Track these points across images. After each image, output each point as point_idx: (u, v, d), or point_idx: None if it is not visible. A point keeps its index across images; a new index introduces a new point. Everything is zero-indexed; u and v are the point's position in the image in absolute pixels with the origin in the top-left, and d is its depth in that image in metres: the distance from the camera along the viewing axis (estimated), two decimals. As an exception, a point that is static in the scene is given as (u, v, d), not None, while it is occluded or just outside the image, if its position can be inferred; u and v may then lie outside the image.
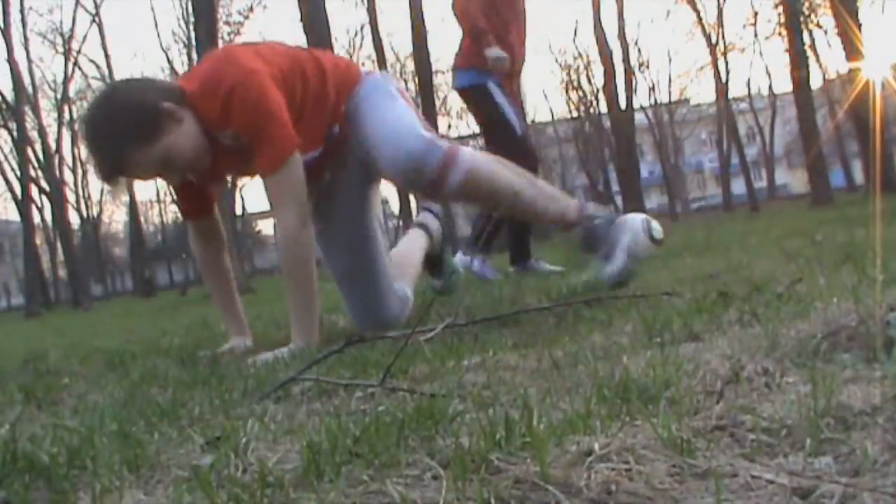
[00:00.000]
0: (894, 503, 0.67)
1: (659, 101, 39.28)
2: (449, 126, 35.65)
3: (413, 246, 3.00)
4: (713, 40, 29.50)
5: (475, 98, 4.61)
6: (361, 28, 32.59)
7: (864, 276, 1.81)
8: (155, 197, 42.43)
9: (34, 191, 27.69)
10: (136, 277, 33.47)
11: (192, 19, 19.87)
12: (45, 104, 31.05)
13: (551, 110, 43.26)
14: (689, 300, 1.94)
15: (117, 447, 1.11)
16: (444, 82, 29.17)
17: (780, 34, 22.76)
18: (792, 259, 2.59)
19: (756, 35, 29.66)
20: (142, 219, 36.07)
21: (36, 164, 27.28)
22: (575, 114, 39.23)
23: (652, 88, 44.77)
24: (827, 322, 1.30)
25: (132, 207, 32.49)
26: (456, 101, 35.09)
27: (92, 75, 31.93)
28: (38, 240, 30.34)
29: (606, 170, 38.36)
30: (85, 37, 41.60)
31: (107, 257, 45.17)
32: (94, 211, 39.49)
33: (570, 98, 38.39)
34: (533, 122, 38.58)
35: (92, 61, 37.13)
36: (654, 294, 2.12)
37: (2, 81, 57.09)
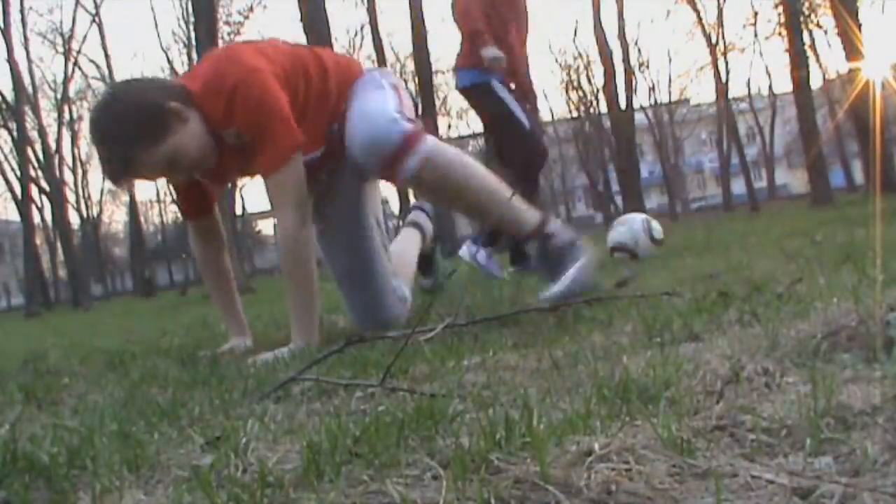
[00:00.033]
0: (894, 503, 0.67)
1: (659, 101, 39.31)
2: (449, 126, 35.72)
3: (407, 245, 3.00)
4: (713, 40, 29.51)
5: (478, 96, 4.61)
6: (361, 28, 32.60)
7: (864, 276, 1.81)
8: (155, 197, 42.53)
9: (34, 191, 27.71)
10: (136, 277, 33.48)
11: (192, 19, 19.88)
12: (45, 104, 31.10)
13: (551, 110, 43.13)
14: (689, 300, 1.94)
15: (117, 447, 1.11)
16: (444, 82, 29.21)
17: (780, 34, 22.78)
18: (792, 259, 2.59)
19: (756, 35, 29.68)
20: (142, 219, 36.10)
21: (36, 164, 27.30)
22: (575, 114, 39.25)
23: (652, 88, 44.81)
24: (827, 322, 1.30)
25: (132, 207, 32.51)
26: (456, 101, 35.12)
27: (92, 75, 32.01)
28: (38, 240, 30.34)
29: (606, 170, 38.36)
30: (85, 37, 41.68)
31: (107, 257, 45.19)
32: (94, 211, 39.56)
33: (570, 98, 38.42)
34: (533, 121, 38.46)
35: (92, 61, 37.20)
36: (654, 294, 2.12)
37: (2, 81, 57.15)
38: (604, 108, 31.72)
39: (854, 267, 2.07)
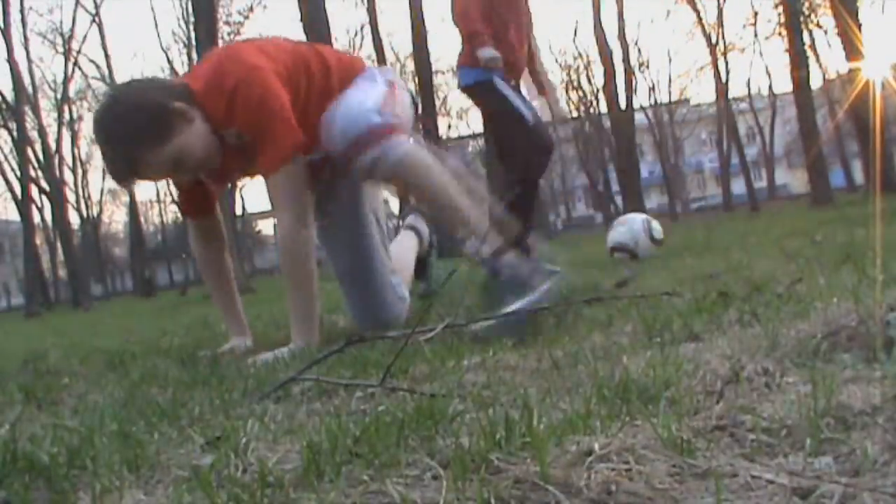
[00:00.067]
0: (894, 503, 0.67)
1: (659, 101, 39.28)
2: (449, 126, 35.72)
3: (405, 247, 3.00)
4: (713, 40, 29.50)
5: (481, 93, 4.60)
6: (361, 28, 32.58)
7: (864, 276, 1.81)
8: (155, 197, 42.54)
9: (34, 191, 27.70)
10: (136, 277, 33.48)
11: (192, 19, 19.89)
12: (45, 104, 31.08)
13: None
14: (689, 300, 1.94)
15: (117, 447, 1.11)
16: (444, 82, 29.22)
17: (780, 34, 22.78)
18: (792, 259, 2.60)
19: (756, 35, 29.69)
20: (142, 219, 36.09)
21: (36, 164, 27.29)
22: (575, 114, 39.24)
23: (652, 88, 44.81)
24: (827, 322, 1.30)
25: (132, 207, 32.51)
26: (456, 102, 35.11)
27: (92, 75, 31.99)
28: (38, 240, 30.34)
29: (606, 170, 38.35)
30: (85, 37, 41.65)
31: (107, 257, 45.20)
32: (94, 211, 39.54)
33: (570, 98, 38.39)
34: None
35: (92, 61, 37.16)
36: (654, 294, 2.12)
37: (2, 81, 57.13)
38: (604, 108, 31.71)
39: (854, 267, 2.07)
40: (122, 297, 38.34)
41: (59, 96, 30.77)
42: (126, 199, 34.93)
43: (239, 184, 33.14)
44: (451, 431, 0.98)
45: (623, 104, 25.82)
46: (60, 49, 30.07)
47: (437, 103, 25.09)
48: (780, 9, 19.43)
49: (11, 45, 24.07)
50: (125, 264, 45.13)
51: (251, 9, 29.85)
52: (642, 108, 36.84)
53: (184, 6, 29.06)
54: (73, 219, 33.95)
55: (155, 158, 2.12)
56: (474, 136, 35.89)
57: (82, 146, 37.29)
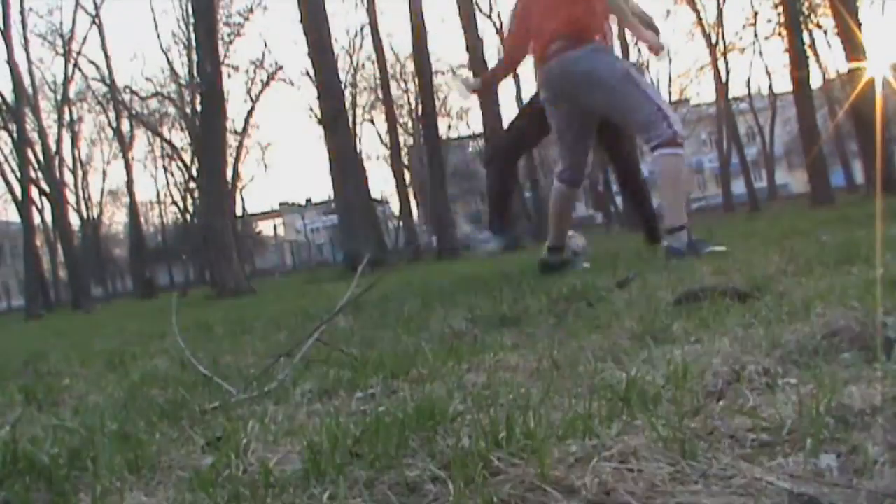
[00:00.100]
0: (894, 503, 0.67)
1: (659, 101, 39.13)
2: (449, 126, 35.72)
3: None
4: (713, 40, 29.48)
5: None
6: (361, 29, 32.52)
7: (864, 277, 1.81)
8: (155, 198, 42.51)
9: (34, 192, 27.66)
10: (137, 279, 33.47)
11: (191, 20, 19.86)
12: (45, 105, 31.02)
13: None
14: (689, 300, 1.94)
15: (118, 448, 1.11)
16: (443, 83, 29.16)
17: (780, 34, 22.74)
18: (792, 259, 2.59)
19: (756, 35, 29.64)
20: (142, 220, 36.08)
21: (36, 166, 27.25)
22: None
23: (652, 88, 44.60)
24: (827, 322, 1.30)
25: (132, 208, 32.50)
26: (456, 102, 35.09)
27: (92, 76, 31.93)
28: (39, 241, 30.31)
29: (606, 170, 38.29)
30: (85, 38, 41.60)
31: (107, 258, 45.17)
32: (95, 212, 39.54)
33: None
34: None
35: (92, 62, 36.91)
36: (652, 294, 2.12)
37: (2, 83, 57.13)
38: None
39: (854, 267, 2.07)
40: (122, 298, 38.33)
41: (59, 97, 30.74)
42: (126, 199, 34.93)
43: (239, 184, 33.18)
44: (451, 432, 0.98)
45: (623, 104, 25.69)
46: (60, 50, 30.04)
47: (437, 104, 25.10)
48: (780, 9, 19.42)
49: (11, 46, 24.06)
50: (125, 265, 45.11)
51: (251, 10, 29.83)
52: (642, 109, 36.68)
53: (184, 7, 29.04)
54: (74, 220, 33.95)
55: None
56: (474, 137, 35.90)
57: (82, 147, 37.33)
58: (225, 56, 26.14)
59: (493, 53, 27.49)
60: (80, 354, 3.10)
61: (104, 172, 39.91)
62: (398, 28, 79.45)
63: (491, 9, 29.73)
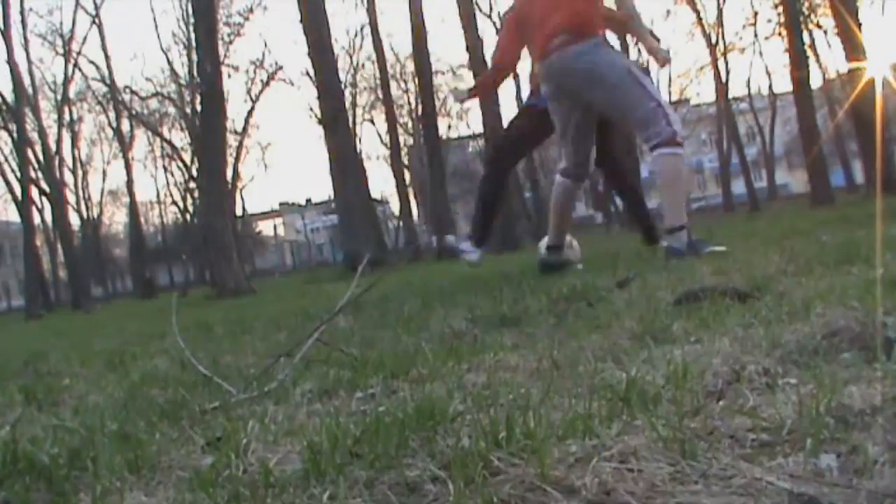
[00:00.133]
0: (894, 503, 0.67)
1: (659, 101, 39.11)
2: (449, 127, 35.72)
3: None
4: (713, 40, 29.46)
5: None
6: (361, 29, 32.52)
7: (864, 277, 1.81)
8: (155, 198, 42.52)
9: (34, 192, 27.66)
10: (137, 279, 33.48)
11: (191, 20, 19.85)
12: (45, 105, 31.01)
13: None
14: (689, 300, 1.94)
15: (118, 448, 1.11)
16: (444, 83, 29.18)
17: (780, 34, 22.74)
18: (792, 259, 2.59)
19: (756, 35, 29.63)
20: (142, 220, 36.08)
21: (36, 166, 27.25)
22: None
23: (652, 88, 44.59)
24: (827, 322, 1.30)
25: (132, 208, 32.51)
26: (456, 102, 35.08)
27: (92, 76, 31.93)
28: (39, 241, 30.30)
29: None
30: (85, 38, 41.60)
31: (107, 258, 45.17)
32: (95, 212, 39.54)
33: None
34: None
35: (92, 62, 36.92)
36: (652, 294, 2.12)
37: (2, 83, 57.14)
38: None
39: (854, 267, 2.07)
40: (122, 298, 38.34)
41: (59, 97, 30.74)
42: (126, 199, 34.94)
43: (239, 184, 33.18)
44: (451, 432, 0.98)
45: (623, 104, 25.67)
46: (60, 50, 30.04)
47: (437, 104, 25.10)
48: (780, 9, 19.42)
49: (11, 46, 24.05)
50: (125, 265, 45.12)
51: (251, 10, 29.83)
52: (642, 109, 36.66)
53: (184, 7, 29.03)
54: (74, 220, 33.95)
55: None
56: (474, 137, 35.88)
57: (82, 147, 37.33)
58: (225, 56, 26.14)
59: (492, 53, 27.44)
60: (80, 354, 3.10)
61: (104, 172, 39.96)
62: (398, 28, 79.47)
63: (491, 9, 29.68)
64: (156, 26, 59.27)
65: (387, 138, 32.14)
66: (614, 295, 2.37)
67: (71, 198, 34.57)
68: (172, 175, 36.46)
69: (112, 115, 32.98)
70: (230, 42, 29.03)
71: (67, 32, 29.92)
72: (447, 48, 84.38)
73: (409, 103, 35.13)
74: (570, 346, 1.59)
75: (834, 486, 0.70)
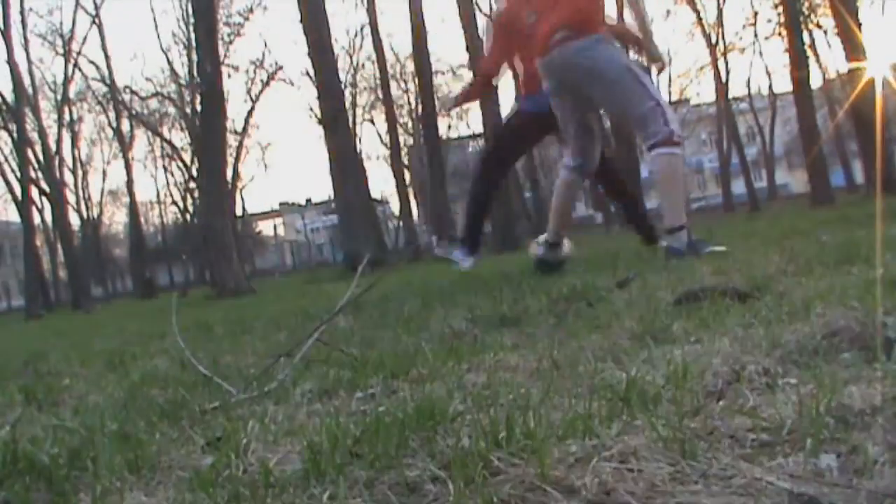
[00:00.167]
0: (894, 503, 0.67)
1: (659, 101, 39.10)
2: (449, 127, 35.71)
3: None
4: (713, 40, 29.46)
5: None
6: (361, 29, 32.51)
7: (864, 277, 1.81)
8: (155, 198, 42.52)
9: (34, 192, 27.66)
10: (137, 279, 33.48)
11: (191, 20, 19.85)
12: (45, 105, 31.01)
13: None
14: (689, 300, 1.94)
15: (118, 448, 1.11)
16: (444, 83, 29.19)
17: (780, 34, 22.74)
18: (792, 259, 2.59)
19: (756, 35, 29.63)
20: (142, 220, 36.08)
21: (36, 166, 27.25)
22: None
23: (652, 88, 44.58)
24: (827, 322, 1.30)
25: (132, 208, 32.50)
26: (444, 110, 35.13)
27: (92, 76, 31.93)
28: (39, 241, 30.29)
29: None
30: (85, 38, 41.56)
31: (107, 258, 45.19)
32: (95, 212, 39.55)
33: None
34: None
35: (92, 62, 36.91)
36: (652, 294, 2.12)
37: (2, 83, 57.13)
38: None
39: (854, 267, 2.07)
40: (122, 298, 38.35)
41: (59, 97, 30.74)
42: (126, 199, 34.95)
43: (239, 184, 33.18)
44: (451, 432, 0.98)
45: (623, 104, 25.67)
46: (60, 50, 30.03)
47: (437, 104, 25.09)
48: (780, 9, 19.42)
49: (11, 46, 24.05)
50: (125, 265, 45.13)
51: (251, 10, 29.83)
52: (642, 109, 36.65)
53: (184, 7, 29.02)
54: (74, 220, 33.96)
55: None
56: (474, 137, 35.87)
57: (82, 147, 37.32)
58: (225, 56, 26.14)
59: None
60: (80, 354, 3.10)
61: (104, 172, 39.97)
62: (398, 28, 79.49)
63: (491, 9, 29.73)
64: (156, 26, 59.28)
65: (387, 138, 32.16)
66: (614, 295, 2.37)
67: (71, 198, 34.58)
68: (172, 175, 36.49)
69: (112, 115, 32.98)
70: (230, 42, 29.04)
71: (67, 32, 29.92)
72: (447, 48, 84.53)
73: (409, 103, 35.14)
74: (570, 346, 1.59)
75: (834, 486, 0.70)
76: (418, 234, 30.85)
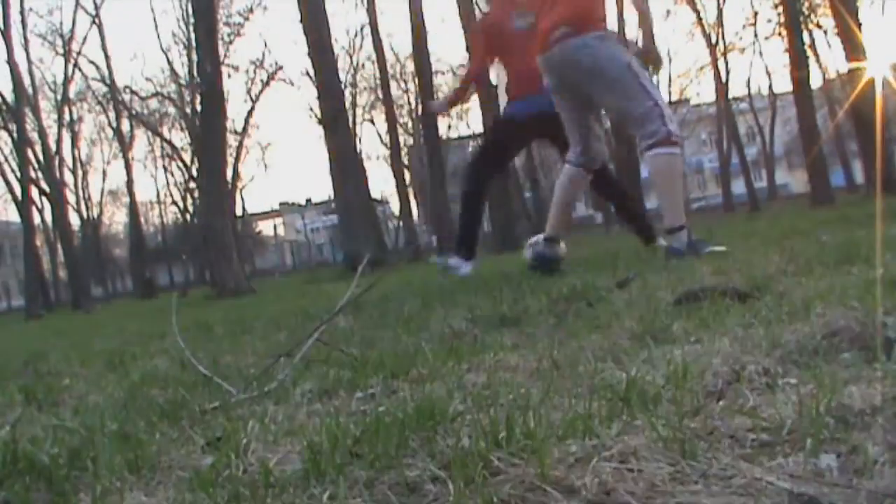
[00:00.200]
0: (894, 503, 0.67)
1: (659, 102, 39.11)
2: (449, 127, 35.73)
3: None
4: (713, 40, 29.46)
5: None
6: (361, 29, 32.53)
7: (864, 277, 1.81)
8: (155, 198, 42.53)
9: (34, 192, 27.66)
10: (137, 279, 33.49)
11: (191, 20, 19.85)
12: (45, 105, 31.01)
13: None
14: (689, 300, 1.94)
15: (118, 448, 1.11)
16: (444, 83, 29.17)
17: (780, 34, 22.74)
18: (792, 259, 2.59)
19: (756, 35, 29.63)
20: (142, 220, 36.08)
21: (36, 166, 27.26)
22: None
23: (652, 88, 44.59)
24: (827, 322, 1.30)
25: (132, 208, 32.51)
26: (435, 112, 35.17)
27: (92, 76, 31.93)
28: (39, 241, 30.29)
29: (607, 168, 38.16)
30: (85, 38, 41.58)
31: (107, 258, 45.19)
32: (95, 212, 39.56)
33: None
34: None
35: (92, 62, 36.92)
36: (652, 294, 2.12)
37: (2, 83, 57.14)
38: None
39: (854, 267, 2.07)
40: (122, 298, 38.35)
41: (59, 97, 30.73)
42: (126, 199, 34.95)
43: (239, 184, 33.19)
44: (451, 432, 0.98)
45: (623, 104, 25.66)
46: (60, 50, 30.03)
47: (426, 106, 25.08)
48: (780, 9, 19.42)
49: (11, 46, 24.05)
50: (125, 265, 45.14)
51: (251, 10, 29.84)
52: (642, 109, 36.65)
53: (184, 7, 29.03)
54: (74, 220, 33.97)
55: None
56: (474, 137, 35.87)
57: (82, 147, 37.34)
58: (225, 56, 26.15)
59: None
60: (80, 354, 3.10)
61: (104, 172, 39.99)
62: (398, 28, 79.57)
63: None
64: (156, 26, 59.34)
65: (387, 138, 32.16)
66: (614, 295, 2.37)
67: (71, 198, 34.59)
68: (172, 175, 36.51)
69: (112, 115, 32.99)
70: (230, 42, 29.05)
71: (67, 32, 29.93)
72: (447, 48, 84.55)
73: (409, 103, 35.16)
74: (570, 346, 1.59)
75: (834, 486, 0.70)
76: (418, 234, 30.85)
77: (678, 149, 3.52)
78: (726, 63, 30.40)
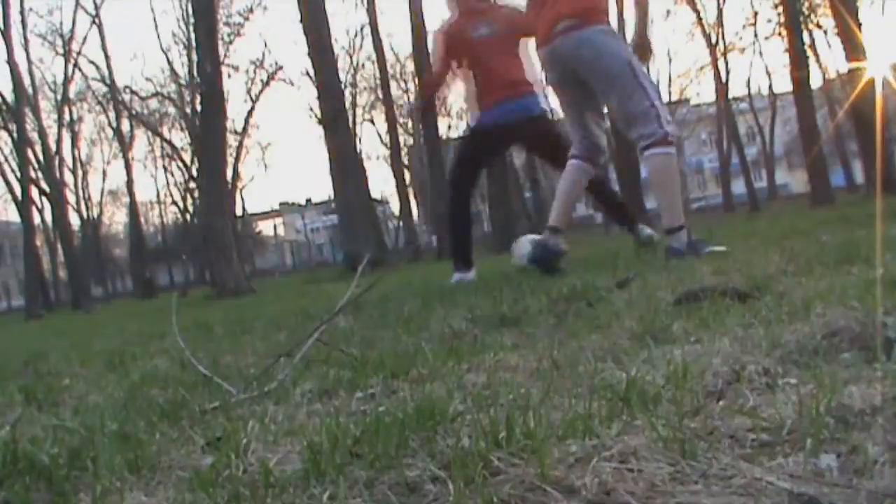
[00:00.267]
0: (894, 503, 0.67)
1: (659, 101, 39.11)
2: (449, 126, 35.70)
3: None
4: (713, 40, 29.47)
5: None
6: (361, 29, 32.55)
7: (864, 277, 1.81)
8: (155, 198, 42.54)
9: (34, 192, 27.66)
10: (137, 279, 33.50)
11: (191, 20, 19.86)
12: (45, 105, 31.02)
13: (552, 110, 43.06)
14: (689, 300, 1.94)
15: (118, 448, 1.11)
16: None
17: (780, 34, 22.74)
18: (792, 259, 2.59)
19: (756, 35, 29.63)
20: (142, 220, 36.10)
21: (36, 166, 27.26)
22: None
23: (652, 88, 44.58)
24: (827, 322, 1.30)
25: (132, 208, 32.52)
26: (456, 102, 35.10)
27: (92, 76, 31.94)
28: (39, 241, 30.29)
29: (606, 170, 38.21)
30: (85, 38, 41.62)
31: (107, 258, 45.19)
32: (95, 212, 39.57)
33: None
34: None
35: (92, 62, 36.98)
36: (652, 294, 2.12)
37: (2, 83, 57.13)
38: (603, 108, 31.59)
39: (854, 267, 2.07)
40: (122, 298, 38.34)
41: (59, 97, 30.73)
42: (126, 199, 34.96)
43: (239, 184, 33.18)
44: (451, 432, 0.98)
45: (623, 104, 25.67)
46: (60, 50, 30.03)
47: (438, 104, 25.11)
48: (780, 9, 19.42)
49: (11, 46, 24.06)
50: (125, 265, 45.14)
51: (251, 10, 29.85)
52: (642, 109, 36.66)
53: (184, 7, 29.04)
54: (74, 220, 33.98)
55: None
56: (474, 137, 35.77)
57: (82, 147, 37.36)
58: (225, 56, 26.16)
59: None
60: (80, 354, 3.10)
61: (104, 172, 40.01)
62: (398, 28, 79.58)
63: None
64: (156, 26, 59.32)
65: (387, 138, 32.19)
66: (614, 295, 2.36)
67: (71, 198, 34.61)
68: (172, 175, 36.53)
69: (112, 115, 33.02)
70: (230, 42, 29.07)
71: (67, 32, 29.94)
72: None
73: (409, 103, 35.15)
74: (570, 346, 1.59)
75: (834, 486, 0.70)
76: (418, 234, 30.85)
77: (674, 149, 3.52)
78: (726, 63, 30.43)
